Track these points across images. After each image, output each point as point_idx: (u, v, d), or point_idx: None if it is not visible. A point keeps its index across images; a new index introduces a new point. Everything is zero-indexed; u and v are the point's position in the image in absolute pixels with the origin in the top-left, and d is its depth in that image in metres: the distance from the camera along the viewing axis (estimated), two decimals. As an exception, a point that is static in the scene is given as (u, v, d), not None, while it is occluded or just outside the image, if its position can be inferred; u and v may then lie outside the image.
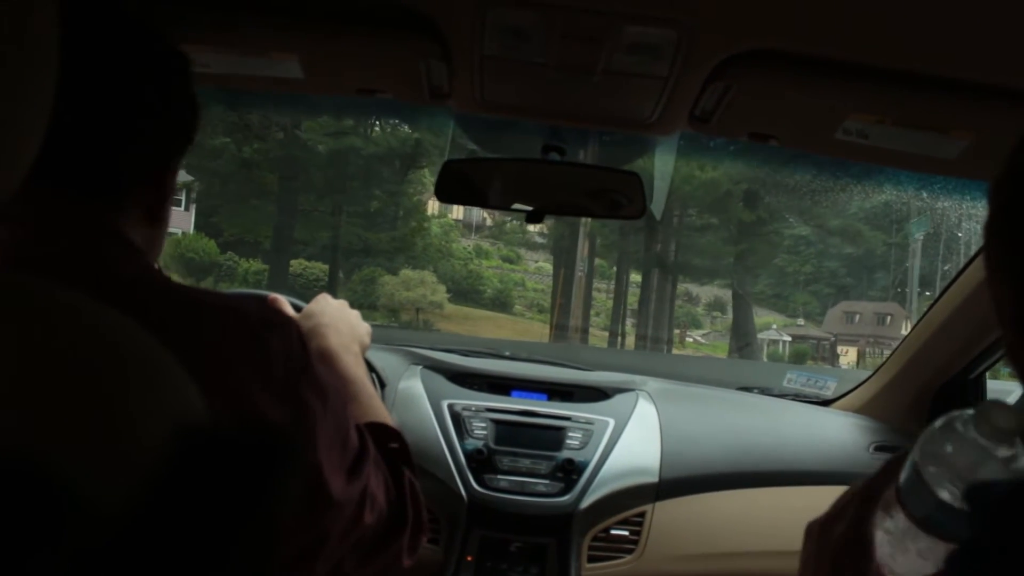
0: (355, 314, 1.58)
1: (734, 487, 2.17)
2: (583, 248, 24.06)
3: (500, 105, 1.56)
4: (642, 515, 2.10)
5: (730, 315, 27.29)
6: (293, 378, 0.95)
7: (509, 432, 2.13)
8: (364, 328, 1.57)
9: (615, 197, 1.83)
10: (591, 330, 25.00)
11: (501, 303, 25.17)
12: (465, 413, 2.15)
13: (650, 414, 2.25)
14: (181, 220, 22.69)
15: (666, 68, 1.30)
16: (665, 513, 2.11)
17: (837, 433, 2.35)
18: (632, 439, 2.16)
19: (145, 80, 0.94)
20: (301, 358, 0.97)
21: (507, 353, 2.71)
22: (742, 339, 25.46)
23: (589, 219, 19.32)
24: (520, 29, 1.25)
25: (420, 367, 2.32)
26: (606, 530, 2.08)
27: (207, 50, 1.32)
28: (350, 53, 1.36)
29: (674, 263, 24.99)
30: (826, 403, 2.68)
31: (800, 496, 2.16)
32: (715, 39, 1.23)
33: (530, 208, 1.88)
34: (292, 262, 22.54)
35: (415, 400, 2.19)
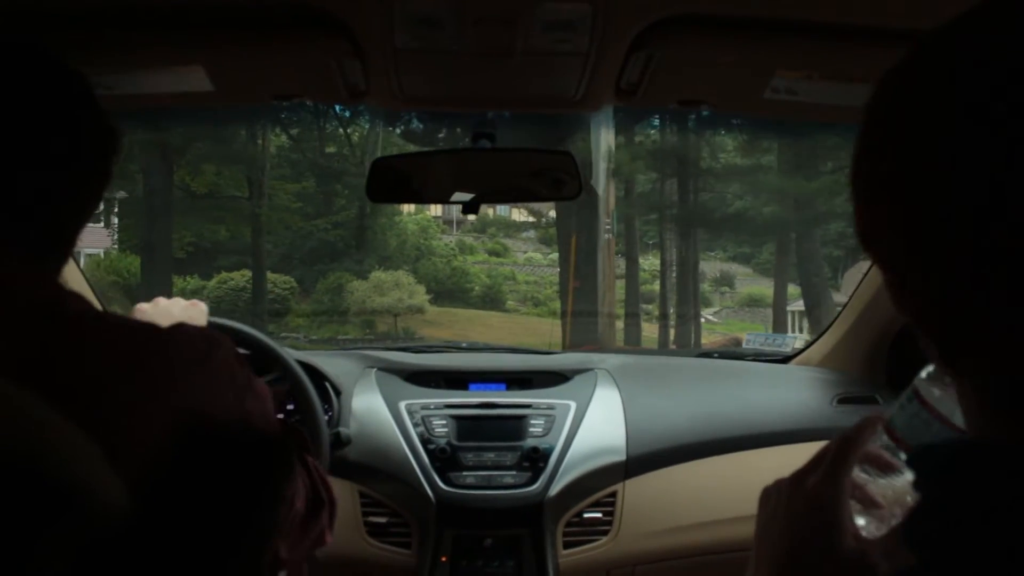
0: (178, 304, 1.61)
1: (703, 456, 2.17)
2: (608, 198, 18.10)
3: (420, 98, 1.52)
4: (613, 495, 2.09)
5: (739, 290, 25.56)
6: (240, 391, 0.97)
7: (470, 427, 2.10)
8: (195, 312, 1.59)
9: (551, 178, 1.80)
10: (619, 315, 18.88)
11: (492, 300, 23.08)
12: (424, 412, 2.11)
13: (611, 392, 2.24)
14: (99, 238, 21.19)
15: (585, 43, 1.27)
16: (636, 490, 2.10)
17: (799, 389, 2.35)
18: (595, 420, 2.14)
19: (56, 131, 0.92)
20: (243, 369, 0.99)
21: (464, 344, 2.68)
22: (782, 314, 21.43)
23: (612, 158, 17.22)
24: (431, 18, 1.21)
25: (374, 370, 2.28)
26: (579, 514, 2.06)
27: (105, 71, 1.27)
28: (258, 59, 1.32)
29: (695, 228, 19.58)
30: (786, 360, 2.68)
31: (768, 457, 2.16)
32: (631, 9, 1.19)
33: (468, 199, 1.84)
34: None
35: (372, 405, 2.15)
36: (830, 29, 1.24)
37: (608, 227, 17.75)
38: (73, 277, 2.00)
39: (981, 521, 0.51)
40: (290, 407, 2.04)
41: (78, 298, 0.90)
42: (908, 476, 0.77)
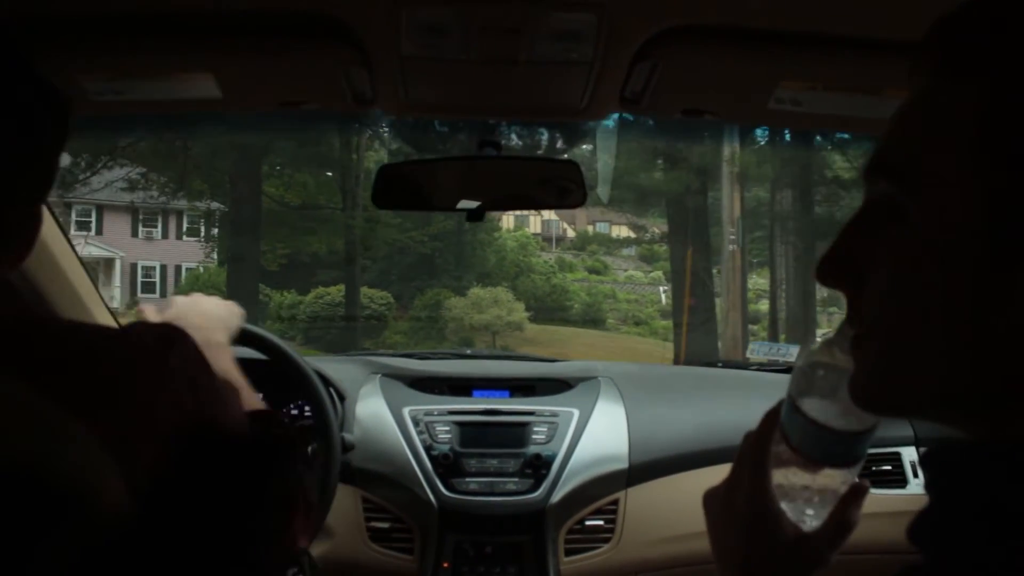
0: (212, 301, 1.54)
1: (706, 464, 2.16)
2: (732, 205, 16.14)
3: (427, 106, 1.53)
4: (615, 503, 2.09)
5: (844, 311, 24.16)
6: (202, 390, 0.95)
7: (473, 433, 2.11)
8: (225, 312, 1.53)
9: (556, 186, 1.80)
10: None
11: (591, 318, 22.27)
12: (427, 418, 2.12)
13: (614, 400, 2.24)
14: (191, 252, 20.68)
15: (590, 52, 1.28)
16: (638, 498, 2.10)
17: None
18: (598, 427, 2.14)
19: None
20: (205, 368, 0.97)
21: (468, 351, 2.69)
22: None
23: (737, 160, 15.75)
24: (437, 26, 1.22)
25: (379, 376, 2.29)
26: (581, 522, 2.07)
27: (117, 77, 1.28)
28: (266, 67, 1.32)
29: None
30: (791, 370, 2.67)
31: (771, 466, 2.16)
32: (636, 19, 1.20)
33: (474, 206, 1.85)
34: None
35: (376, 411, 2.16)
36: (833, 41, 1.25)
37: (733, 237, 16.18)
38: (82, 284, 2.02)
39: (988, 521, 0.51)
40: (294, 412, 2.05)
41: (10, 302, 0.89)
42: (832, 470, 0.80)
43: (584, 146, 18.14)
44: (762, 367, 2.80)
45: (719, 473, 2.20)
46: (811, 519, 0.82)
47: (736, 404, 2.32)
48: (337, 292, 18.35)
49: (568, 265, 25.20)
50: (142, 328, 0.94)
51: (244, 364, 1.40)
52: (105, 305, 2.16)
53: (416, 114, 1.54)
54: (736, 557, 0.83)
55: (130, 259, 20.91)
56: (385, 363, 2.38)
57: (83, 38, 1.20)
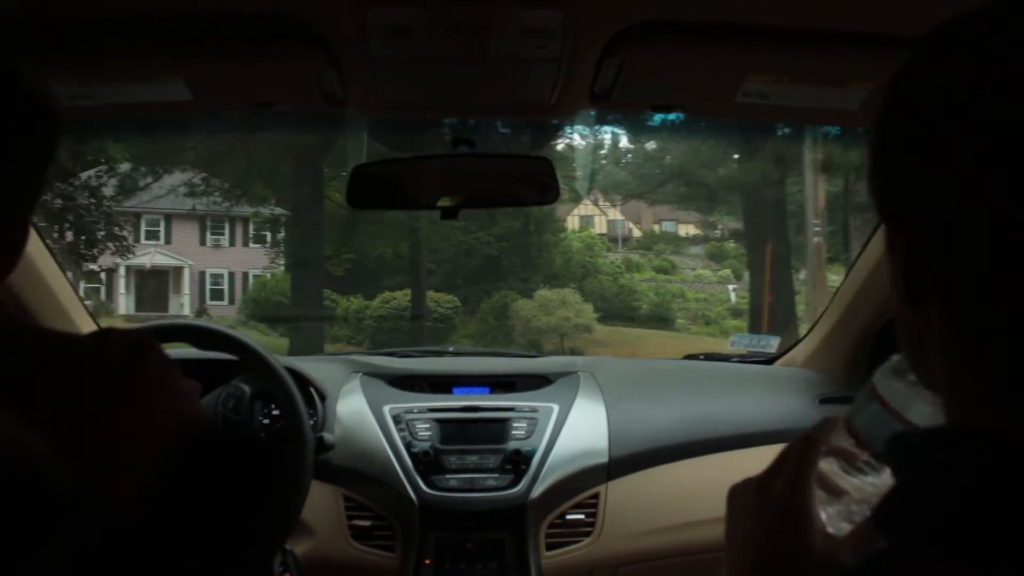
0: None
1: (685, 457, 2.18)
2: (816, 195, 14.94)
3: (398, 106, 1.54)
4: (596, 496, 2.10)
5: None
6: (172, 398, 0.92)
7: (454, 430, 2.11)
8: None
9: (530, 183, 1.81)
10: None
11: (660, 318, 21.31)
12: (408, 416, 2.13)
13: (594, 394, 2.25)
14: (258, 259, 20.04)
15: (557, 49, 1.28)
16: (619, 491, 2.11)
17: (782, 390, 2.37)
18: (578, 422, 2.15)
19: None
20: (175, 373, 0.94)
21: (450, 349, 2.69)
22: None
23: (817, 152, 14.70)
24: (403, 27, 1.22)
25: (359, 375, 2.29)
26: (561, 516, 2.08)
27: (84, 81, 1.28)
28: (235, 69, 1.33)
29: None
30: (771, 361, 2.69)
31: (750, 457, 2.17)
32: (601, 15, 1.21)
33: (450, 205, 1.85)
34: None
35: (356, 409, 2.16)
36: (799, 34, 1.26)
37: (818, 229, 14.88)
38: (64, 292, 2.03)
39: (951, 506, 0.52)
40: (276, 412, 2.05)
41: None
42: (874, 475, 0.78)
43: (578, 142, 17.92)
44: (743, 359, 2.81)
45: (699, 466, 2.22)
46: (843, 524, 0.81)
47: (716, 396, 2.34)
48: (403, 296, 18.03)
49: (635, 265, 24.46)
50: (116, 335, 0.91)
51: (217, 364, 1.40)
52: (89, 314, 2.16)
53: (388, 114, 1.55)
54: (752, 548, 0.81)
55: (198, 267, 20.83)
56: (366, 362, 2.38)
57: (52, 42, 1.20)
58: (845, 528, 0.79)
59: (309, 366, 2.19)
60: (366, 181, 1.80)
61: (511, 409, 2.16)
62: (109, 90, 1.34)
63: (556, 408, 2.17)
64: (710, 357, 2.82)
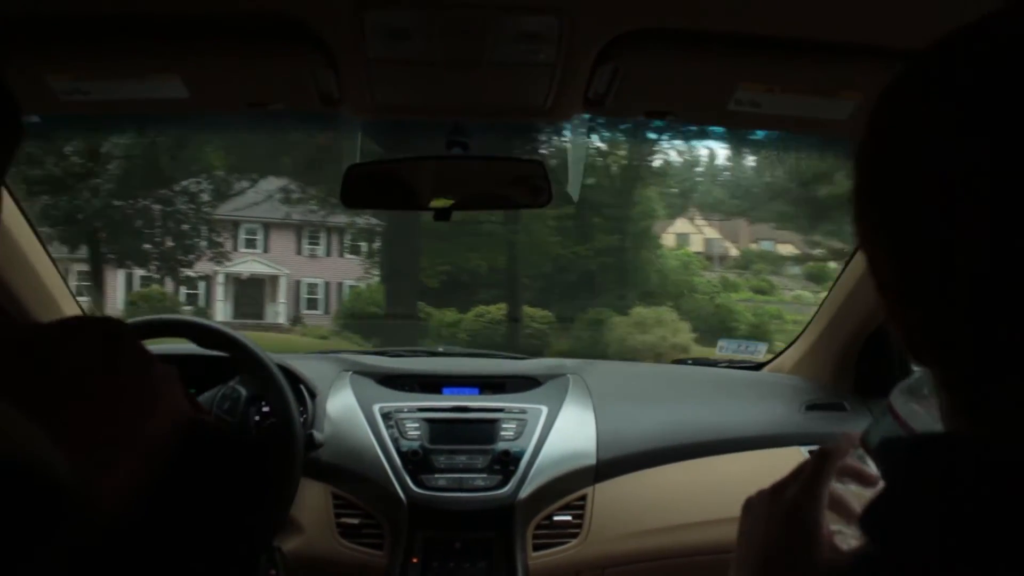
0: None
1: (673, 460, 2.19)
2: None
3: (394, 107, 1.55)
4: (583, 498, 2.11)
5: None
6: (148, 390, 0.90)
7: (443, 430, 2.12)
8: None
9: (524, 186, 1.82)
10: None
11: (758, 339, 21.04)
12: (397, 415, 2.13)
13: (583, 397, 2.26)
14: (353, 270, 19.60)
15: (552, 54, 1.30)
16: (606, 494, 2.13)
17: (768, 396, 2.38)
18: (566, 424, 2.17)
19: None
20: (150, 359, 0.91)
21: (440, 349, 2.70)
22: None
23: None
24: (401, 29, 1.24)
25: (350, 373, 2.30)
26: (549, 517, 2.09)
27: (81, 76, 1.29)
28: (233, 68, 1.34)
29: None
30: (758, 367, 2.71)
31: (737, 462, 2.19)
32: (596, 23, 1.23)
33: (444, 206, 1.86)
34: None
35: (346, 407, 2.17)
36: (791, 44, 1.27)
37: None
38: (54, 283, 2.03)
39: (936, 510, 0.53)
40: (266, 409, 2.06)
41: None
42: None
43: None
44: (731, 363, 2.83)
45: (687, 469, 2.23)
46: (851, 538, 0.82)
47: (704, 401, 2.35)
48: (498, 310, 17.62)
49: (732, 284, 24.16)
50: (87, 323, 0.90)
51: (210, 361, 1.40)
52: (73, 298, 2.17)
53: (383, 115, 1.56)
54: (758, 555, 0.82)
55: (295, 276, 20.73)
56: (356, 360, 2.39)
57: (49, 38, 1.21)
58: (846, 542, 0.80)
59: (300, 364, 2.20)
60: (359, 181, 1.80)
61: (500, 410, 2.17)
62: (106, 86, 1.34)
63: (545, 410, 2.18)
64: (698, 362, 2.84)
